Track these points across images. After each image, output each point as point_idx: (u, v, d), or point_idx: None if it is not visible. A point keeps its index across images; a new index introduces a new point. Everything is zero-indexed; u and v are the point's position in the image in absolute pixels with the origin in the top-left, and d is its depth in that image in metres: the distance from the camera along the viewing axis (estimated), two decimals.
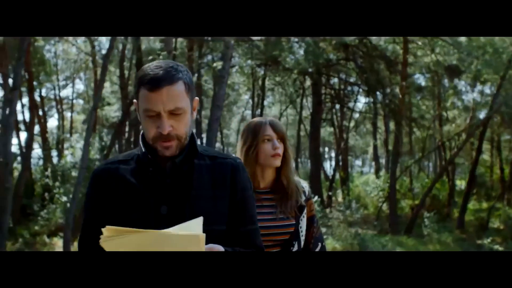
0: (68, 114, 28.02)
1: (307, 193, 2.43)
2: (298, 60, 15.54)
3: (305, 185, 2.46)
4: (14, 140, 16.30)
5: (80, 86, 28.84)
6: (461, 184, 25.12)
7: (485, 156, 25.78)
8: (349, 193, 22.35)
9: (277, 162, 2.33)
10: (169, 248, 1.35)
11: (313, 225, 2.42)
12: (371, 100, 21.39)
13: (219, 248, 1.46)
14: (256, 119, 2.43)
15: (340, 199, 22.63)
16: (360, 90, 22.14)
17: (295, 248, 2.31)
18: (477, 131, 17.27)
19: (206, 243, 1.39)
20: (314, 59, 15.12)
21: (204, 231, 1.40)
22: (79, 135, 22.02)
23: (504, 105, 15.36)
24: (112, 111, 25.36)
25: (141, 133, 1.65)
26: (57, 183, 17.38)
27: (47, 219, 15.40)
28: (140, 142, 1.64)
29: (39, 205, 16.67)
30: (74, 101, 27.72)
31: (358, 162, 45.81)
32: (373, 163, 31.68)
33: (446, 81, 19.02)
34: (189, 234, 1.35)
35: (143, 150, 1.62)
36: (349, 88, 23.69)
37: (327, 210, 16.84)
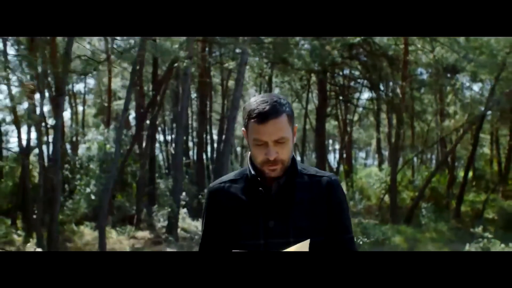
0: (79, 108, 29.48)
1: None
2: (305, 61, 17.02)
3: None
4: (34, 134, 17.78)
5: (90, 80, 30.22)
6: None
7: (486, 149, 27.41)
8: (352, 185, 23.93)
9: None
10: None
11: None
12: (374, 95, 22.93)
13: None
14: None
15: (344, 191, 24.11)
16: (364, 85, 23.67)
17: None
18: (474, 127, 18.85)
19: None
20: (320, 60, 16.64)
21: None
22: (95, 129, 23.45)
23: (497, 104, 16.90)
24: (121, 104, 26.77)
25: (248, 156, 1.94)
26: (78, 176, 18.94)
27: (72, 209, 16.92)
28: (249, 165, 1.92)
29: (62, 196, 18.22)
30: (86, 95, 29.21)
31: (362, 154, 47.46)
32: (377, 156, 33.13)
33: (446, 78, 20.54)
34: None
35: (253, 173, 1.89)
36: (352, 83, 25.19)
37: None
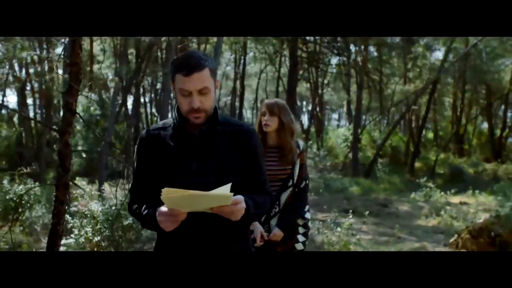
0: (59, 71, 31.20)
1: (301, 148, 3.48)
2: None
3: (301, 142, 3.49)
4: (13, 98, 19.97)
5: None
6: (431, 136, 30.52)
7: (448, 112, 30.65)
8: (322, 144, 26.80)
9: (266, 128, 3.43)
10: (208, 204, 1.91)
11: (303, 169, 3.49)
12: (342, 61, 25.57)
13: (242, 199, 1.98)
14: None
15: (315, 149, 26.97)
16: (333, 52, 26.22)
17: (290, 183, 3.43)
18: (428, 91, 21.90)
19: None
20: None
21: (224, 181, 1.97)
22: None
23: (446, 71, 19.88)
24: (102, 68, 28.54)
25: (175, 106, 2.20)
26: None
27: None
28: (175, 114, 2.19)
29: (54, 155, 20.55)
30: (67, 60, 30.85)
31: (335, 116, 50.30)
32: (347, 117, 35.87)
33: (407, 47, 23.40)
34: (222, 194, 1.88)
35: (178, 120, 2.17)
36: (323, 49, 27.64)
37: None
